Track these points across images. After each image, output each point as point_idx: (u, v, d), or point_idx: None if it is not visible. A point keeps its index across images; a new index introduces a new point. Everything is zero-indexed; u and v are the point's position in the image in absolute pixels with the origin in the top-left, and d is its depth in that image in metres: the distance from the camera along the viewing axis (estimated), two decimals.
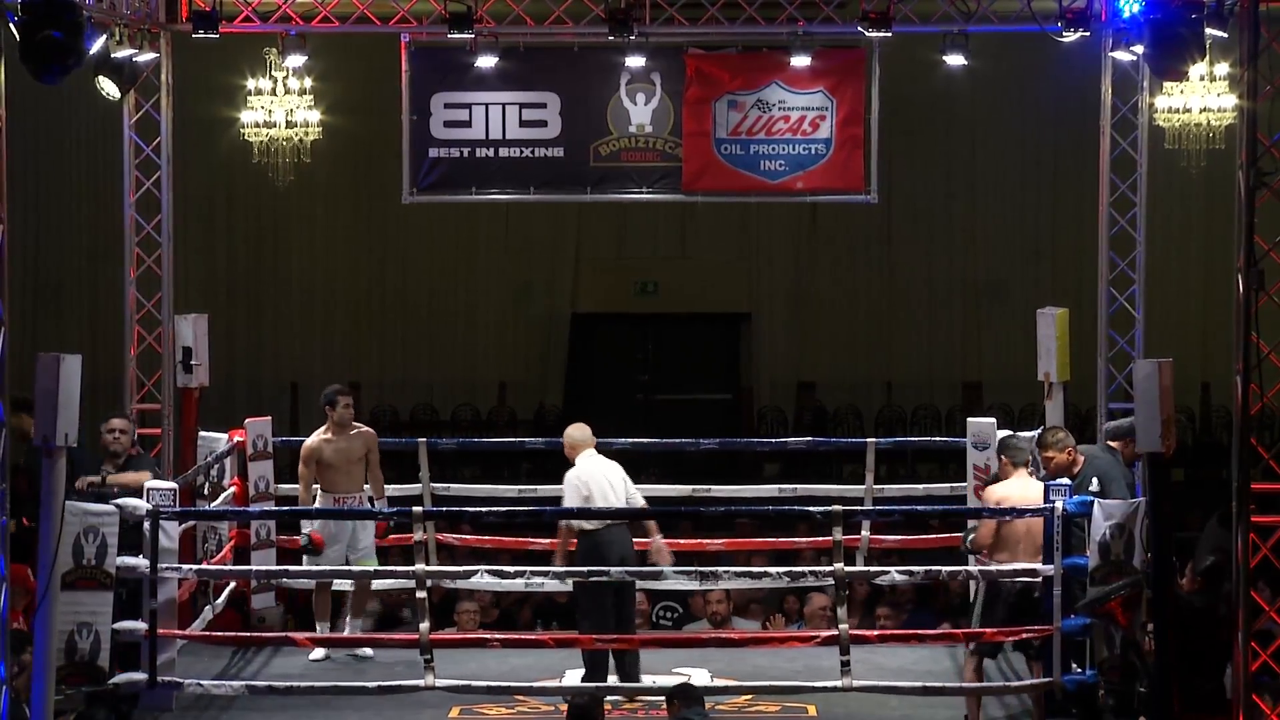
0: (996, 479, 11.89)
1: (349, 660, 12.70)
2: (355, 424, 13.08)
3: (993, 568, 11.28)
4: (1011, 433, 12.54)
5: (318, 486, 12.94)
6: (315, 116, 16.84)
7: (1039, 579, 11.18)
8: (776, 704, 11.84)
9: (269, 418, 14.16)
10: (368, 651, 12.67)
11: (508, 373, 22.97)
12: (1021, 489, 11.35)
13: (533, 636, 11.95)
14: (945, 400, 22.42)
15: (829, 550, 11.50)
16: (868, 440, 14.37)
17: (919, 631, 12.75)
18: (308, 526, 12.77)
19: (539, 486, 14.36)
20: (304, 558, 12.80)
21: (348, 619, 13.13)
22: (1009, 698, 11.82)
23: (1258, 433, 9.93)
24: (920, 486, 14.75)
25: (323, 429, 13.02)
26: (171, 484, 11.81)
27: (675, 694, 9.79)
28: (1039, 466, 11.87)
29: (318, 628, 12.95)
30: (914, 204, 22.25)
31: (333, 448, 12.92)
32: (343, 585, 13.17)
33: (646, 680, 11.87)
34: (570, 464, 12.14)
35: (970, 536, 11.48)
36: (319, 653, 12.62)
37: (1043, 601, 11.22)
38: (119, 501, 11.16)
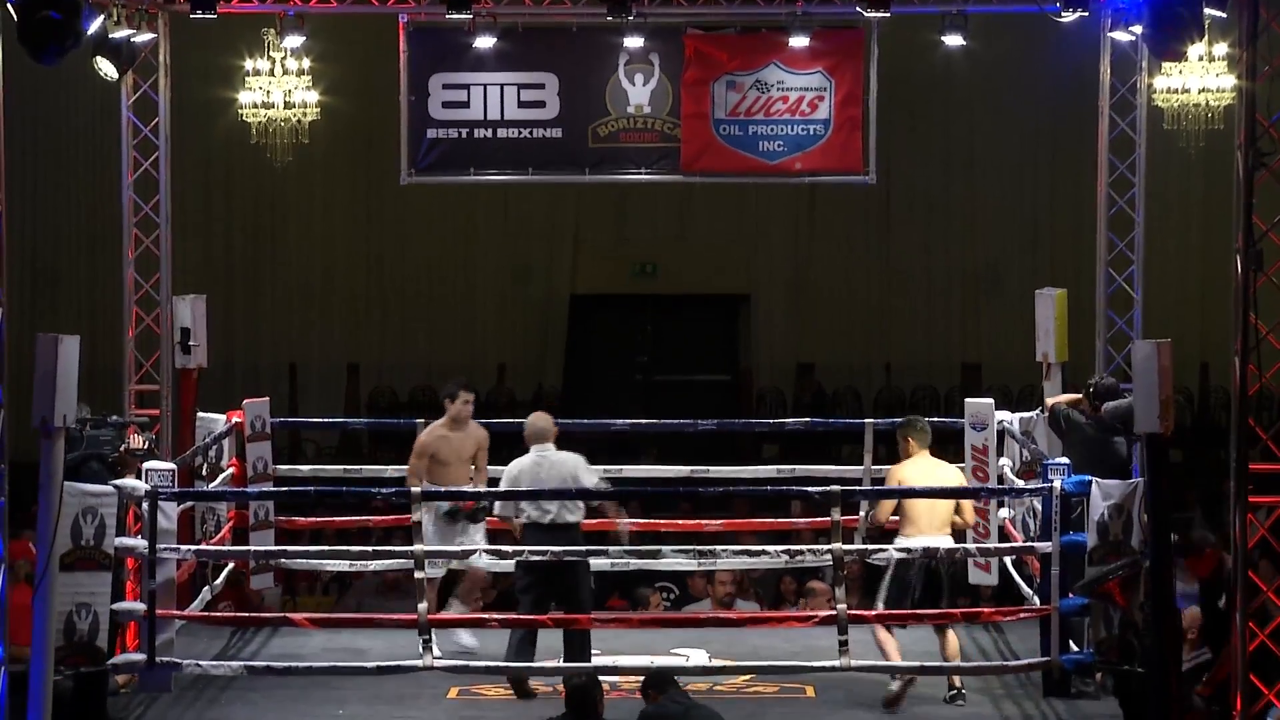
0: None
1: (350, 646, 12.68)
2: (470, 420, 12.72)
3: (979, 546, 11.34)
4: (912, 416, 12.65)
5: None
6: (313, 97, 16.81)
7: (945, 555, 11.46)
8: (775, 684, 11.85)
9: (267, 399, 14.15)
10: (468, 641, 12.31)
11: (507, 354, 22.97)
12: (925, 469, 11.67)
13: (529, 617, 11.92)
14: (944, 382, 22.43)
15: (828, 530, 11.54)
16: (866, 421, 14.36)
17: (916, 611, 12.75)
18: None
19: None
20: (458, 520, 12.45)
21: (453, 604, 12.68)
22: (1008, 677, 11.84)
23: (1256, 413, 9.94)
24: None
25: (440, 423, 12.64)
26: (170, 465, 11.82)
27: (650, 684, 9.96)
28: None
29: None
30: (913, 185, 22.24)
31: (448, 445, 12.52)
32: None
33: (644, 660, 11.88)
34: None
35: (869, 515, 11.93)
36: (470, 640, 12.33)
37: (951, 577, 11.54)
38: (118, 483, 11.17)
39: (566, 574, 11.63)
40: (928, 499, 11.48)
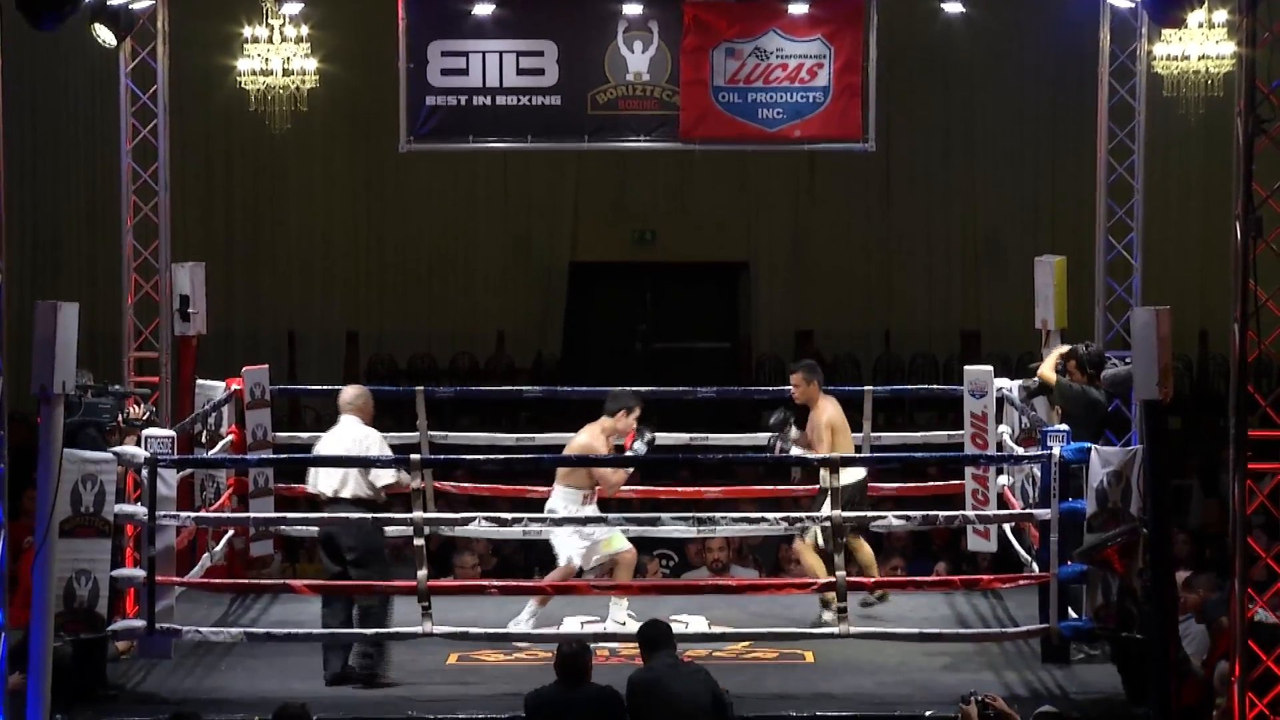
0: None
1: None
2: None
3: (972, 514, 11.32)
4: (811, 360, 13.49)
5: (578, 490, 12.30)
6: (312, 65, 16.77)
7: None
8: (774, 650, 11.88)
9: (266, 366, 14.15)
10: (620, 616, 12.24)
11: (506, 322, 22.96)
12: (838, 409, 12.68)
13: (530, 584, 11.95)
14: (944, 349, 22.41)
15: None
16: (865, 388, 14.36)
17: (916, 579, 12.78)
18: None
19: (537, 435, 14.39)
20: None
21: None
22: (1006, 644, 11.87)
23: (1255, 380, 9.94)
24: (918, 434, 14.76)
25: (601, 428, 12.36)
26: (169, 431, 11.82)
27: (641, 645, 10.03)
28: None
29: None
30: (912, 153, 22.21)
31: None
32: None
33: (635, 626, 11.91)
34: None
35: (797, 451, 12.46)
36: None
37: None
38: (118, 449, 11.17)
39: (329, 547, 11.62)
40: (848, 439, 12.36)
